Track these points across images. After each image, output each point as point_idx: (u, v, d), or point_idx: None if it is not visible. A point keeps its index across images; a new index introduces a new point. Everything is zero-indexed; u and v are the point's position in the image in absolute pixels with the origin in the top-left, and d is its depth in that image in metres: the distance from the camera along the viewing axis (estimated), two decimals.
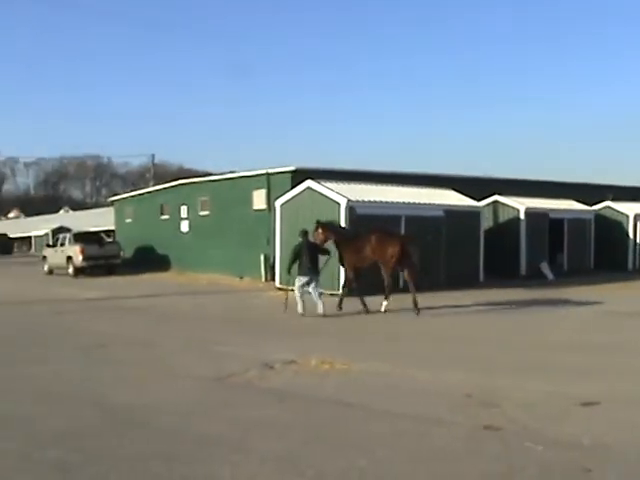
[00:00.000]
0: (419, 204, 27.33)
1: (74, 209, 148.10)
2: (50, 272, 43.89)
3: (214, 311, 22.06)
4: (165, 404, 9.53)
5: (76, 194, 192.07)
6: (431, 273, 25.70)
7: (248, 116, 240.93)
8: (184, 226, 40.81)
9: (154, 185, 55.79)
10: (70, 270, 40.44)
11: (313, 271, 20.15)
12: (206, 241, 37.94)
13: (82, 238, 42.50)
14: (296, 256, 20.21)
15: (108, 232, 58.31)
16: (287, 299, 20.53)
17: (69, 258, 40.68)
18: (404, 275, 21.35)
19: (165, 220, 43.01)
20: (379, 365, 12.09)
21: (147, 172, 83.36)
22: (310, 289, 20.14)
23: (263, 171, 33.41)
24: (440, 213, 27.60)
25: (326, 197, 25.58)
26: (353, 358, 12.57)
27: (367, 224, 24.49)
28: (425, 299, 22.37)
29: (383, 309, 20.00)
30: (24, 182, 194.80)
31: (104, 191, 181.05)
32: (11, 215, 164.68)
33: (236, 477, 6.51)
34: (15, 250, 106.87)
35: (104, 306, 23.76)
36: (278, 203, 28.12)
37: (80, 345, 15.15)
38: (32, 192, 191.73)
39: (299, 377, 11.24)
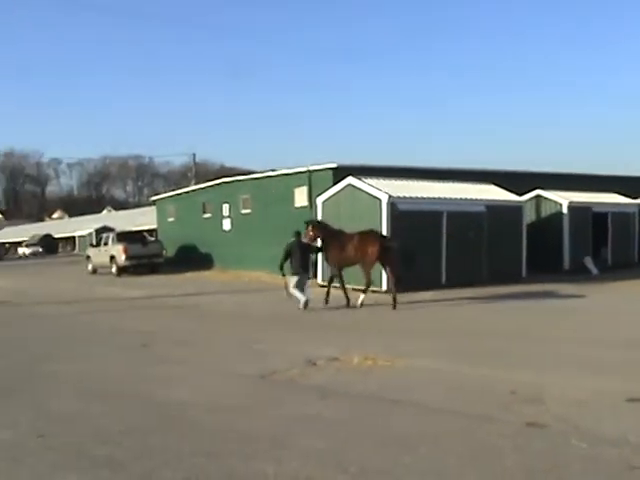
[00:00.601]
0: (461, 200, 27.20)
1: (117, 209, 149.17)
2: (94, 271, 44.32)
3: (257, 308, 22.14)
4: (209, 401, 9.60)
5: (118, 194, 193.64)
6: (472, 269, 25.71)
7: (287, 114, 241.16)
8: (226, 224, 40.97)
9: (196, 184, 56.08)
10: (113, 269, 40.83)
11: (304, 269, 21.64)
12: (248, 239, 38.05)
13: (125, 237, 42.86)
14: (287, 255, 21.63)
15: (151, 231, 58.74)
16: (329, 295, 21.60)
17: (112, 257, 41.04)
18: (387, 273, 22.24)
19: (207, 218, 43.21)
20: (422, 361, 12.06)
21: (189, 171, 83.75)
22: (300, 284, 21.39)
23: (304, 168, 33.44)
24: (482, 208, 27.44)
25: (367, 194, 25.57)
26: (396, 354, 12.54)
27: (408, 220, 24.55)
28: (466, 294, 22.39)
29: (359, 302, 21.13)
30: (67, 183, 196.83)
31: (146, 191, 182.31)
32: (55, 216, 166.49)
33: (280, 473, 6.54)
34: (59, 250, 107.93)
35: (147, 305, 23.96)
36: (320, 200, 28.15)
37: (125, 344, 15.32)
38: (75, 193, 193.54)
39: (342, 374, 11.25)
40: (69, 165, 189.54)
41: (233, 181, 41.06)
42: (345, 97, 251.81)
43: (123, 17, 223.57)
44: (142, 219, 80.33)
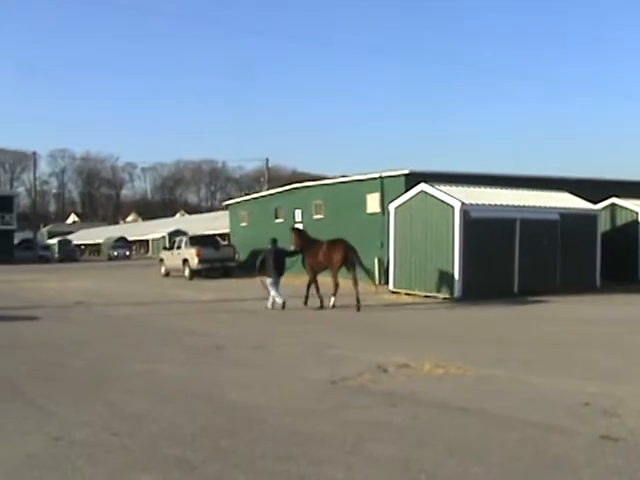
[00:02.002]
0: (534, 207, 26.94)
1: (189, 213, 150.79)
2: (167, 274, 44.79)
3: (327, 314, 22.15)
4: (281, 405, 9.64)
5: (191, 198, 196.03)
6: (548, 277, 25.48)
7: (359, 119, 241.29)
8: None
9: (268, 189, 56.42)
10: (186, 272, 41.21)
11: (277, 273, 23.95)
12: None
13: (198, 241, 43.26)
14: (263, 260, 24.33)
15: (223, 235, 59.22)
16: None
17: (185, 261, 41.43)
18: (351, 277, 23.58)
19: (279, 223, 43.43)
20: (494, 370, 11.93)
21: (261, 176, 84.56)
22: (275, 287, 23.65)
23: (377, 175, 33.45)
24: (556, 216, 27.13)
25: (440, 200, 25.46)
26: (467, 362, 12.46)
27: (481, 227, 24.40)
28: (538, 304, 22.17)
29: (331, 304, 23.28)
30: (142, 187, 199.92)
31: (219, 195, 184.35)
32: (129, 219, 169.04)
33: (350, 478, 6.55)
34: (133, 252, 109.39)
35: (219, 308, 24.15)
36: (392, 206, 28.11)
37: (198, 346, 15.47)
38: (149, 196, 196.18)
39: (413, 381, 11.20)
40: (143, 169, 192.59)
41: (306, 186, 41.25)
42: (418, 102, 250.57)
43: (203, 23, 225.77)
44: (215, 223, 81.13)
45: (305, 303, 23.62)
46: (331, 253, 23.51)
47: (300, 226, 25.70)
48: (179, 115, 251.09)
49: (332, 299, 23.34)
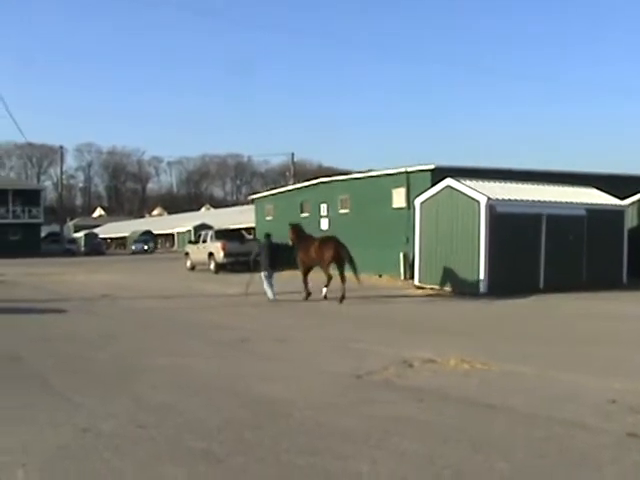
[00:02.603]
0: (560, 203, 26.78)
1: (215, 207, 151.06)
2: (192, 268, 44.94)
3: (352, 308, 22.15)
4: (306, 399, 9.67)
5: (217, 192, 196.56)
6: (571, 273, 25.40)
7: (384, 113, 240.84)
8: (324, 224, 41.11)
9: (294, 183, 56.43)
10: (211, 266, 41.35)
11: (271, 266, 24.94)
12: (345, 239, 37.90)
13: (223, 235, 43.38)
14: (257, 254, 25.82)
15: (249, 229, 59.32)
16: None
17: (211, 254, 41.57)
18: (339, 273, 24.40)
19: (305, 218, 43.37)
20: (520, 366, 11.87)
21: (287, 170, 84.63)
22: (269, 280, 24.74)
23: (402, 169, 33.39)
24: (582, 212, 26.96)
25: (466, 195, 25.39)
26: (493, 358, 12.42)
27: (507, 222, 24.33)
28: (567, 300, 22.09)
29: (322, 295, 24.29)
30: (167, 181, 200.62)
31: (244, 189, 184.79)
32: (155, 213, 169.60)
33: (374, 474, 6.55)
34: (159, 246, 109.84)
35: (245, 302, 24.19)
36: (418, 201, 28.04)
37: (223, 339, 15.54)
38: (175, 190, 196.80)
39: (438, 376, 11.20)
40: (169, 163, 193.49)
41: (331, 181, 41.21)
42: (442, 98, 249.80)
43: (225, 21, 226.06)
44: (240, 217, 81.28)
45: (306, 297, 24.62)
46: (322, 250, 24.62)
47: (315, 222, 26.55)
48: (204, 109, 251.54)
49: (324, 290, 24.37)
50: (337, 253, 24.35)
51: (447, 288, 25.73)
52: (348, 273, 24.31)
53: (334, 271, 24.48)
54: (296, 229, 27.07)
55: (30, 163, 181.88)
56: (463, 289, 24.92)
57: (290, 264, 39.57)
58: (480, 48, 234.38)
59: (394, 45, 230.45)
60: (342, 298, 23.33)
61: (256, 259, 25.72)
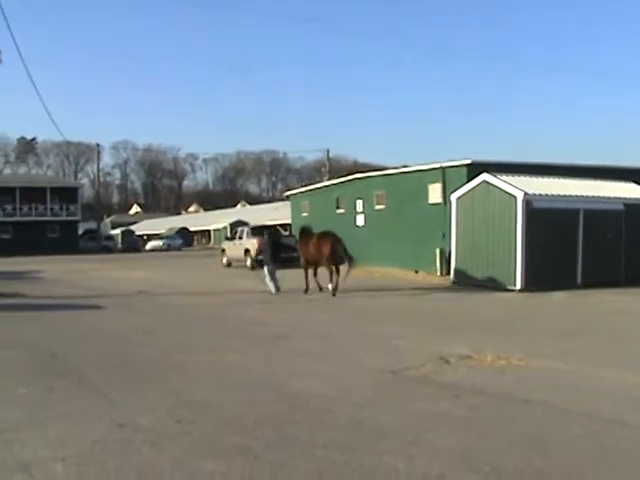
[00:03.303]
0: (598, 197, 26.54)
1: (251, 203, 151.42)
2: (228, 264, 45.08)
3: (389, 304, 22.16)
4: (343, 394, 9.66)
5: (252, 189, 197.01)
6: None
7: (420, 109, 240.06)
8: (360, 220, 41.08)
9: (329, 179, 56.40)
10: (248, 262, 41.39)
11: (274, 261, 26.06)
12: (381, 235, 38.11)
13: (259, 231, 43.41)
14: (261, 250, 27.24)
15: (284, 226, 59.39)
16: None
17: (247, 251, 41.65)
18: (334, 266, 25.33)
19: (341, 214, 43.43)
20: (557, 362, 11.78)
21: (322, 166, 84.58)
22: (270, 274, 25.73)
23: (438, 165, 33.27)
24: (620, 207, 26.69)
25: (502, 190, 25.24)
26: (530, 354, 12.33)
27: (544, 218, 24.17)
28: (604, 296, 21.90)
29: (330, 288, 24.81)
30: (203, 177, 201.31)
31: (280, 186, 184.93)
32: (191, 209, 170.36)
33: (411, 470, 6.51)
34: (195, 243, 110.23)
35: (281, 298, 24.25)
36: (454, 197, 27.95)
37: (260, 335, 15.58)
38: (211, 187, 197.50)
39: (475, 372, 11.14)
40: (205, 160, 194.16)
41: (367, 177, 41.15)
42: (477, 93, 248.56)
43: (271, 17, 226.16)
44: (276, 214, 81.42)
45: (320, 289, 25.67)
46: (320, 245, 25.61)
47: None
48: (240, 105, 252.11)
49: (330, 285, 25.04)
50: (334, 247, 25.24)
51: (484, 283, 25.61)
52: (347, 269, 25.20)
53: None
54: (303, 230, 28.34)
55: (67, 161, 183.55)
56: (500, 285, 24.80)
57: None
58: (518, 41, 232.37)
59: (430, 40, 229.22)
60: (335, 290, 24.60)
61: (258, 254, 26.95)
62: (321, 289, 25.57)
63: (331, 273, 25.08)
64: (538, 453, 6.97)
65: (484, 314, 19.50)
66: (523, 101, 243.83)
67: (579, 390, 9.82)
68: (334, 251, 25.21)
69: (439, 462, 6.70)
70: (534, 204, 24.57)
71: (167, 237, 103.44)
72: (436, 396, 9.51)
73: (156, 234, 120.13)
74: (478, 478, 6.30)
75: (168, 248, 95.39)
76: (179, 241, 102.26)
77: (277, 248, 27.00)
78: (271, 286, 25.50)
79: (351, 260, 25.72)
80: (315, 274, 26.29)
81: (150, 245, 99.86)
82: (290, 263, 40.89)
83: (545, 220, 24.48)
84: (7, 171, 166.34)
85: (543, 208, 24.63)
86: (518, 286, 24.07)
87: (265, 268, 26.10)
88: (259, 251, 40.53)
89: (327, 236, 26.15)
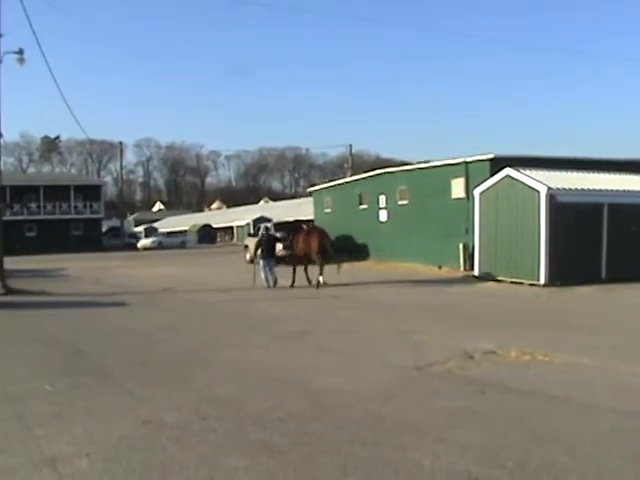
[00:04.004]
0: (622, 191, 26.35)
1: (273, 200, 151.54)
2: (251, 261, 45.05)
3: (412, 300, 22.11)
4: (367, 390, 9.67)
5: (275, 185, 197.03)
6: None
7: (441, 104, 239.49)
8: (383, 215, 41.05)
9: (352, 175, 56.35)
10: None
11: (269, 256, 27.68)
12: (404, 230, 38.06)
13: (282, 228, 43.38)
14: (259, 245, 28.21)
15: (307, 222, 59.41)
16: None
17: None
18: (318, 258, 27.10)
19: (364, 209, 43.41)
20: (582, 358, 11.70)
21: (345, 162, 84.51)
22: (267, 268, 27.43)
23: (461, 159, 33.17)
24: None
25: (526, 185, 25.11)
26: (554, 349, 12.26)
27: (568, 212, 24.04)
28: (629, 290, 21.79)
29: (322, 281, 26.47)
30: (226, 174, 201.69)
31: (302, 182, 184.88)
32: (214, 206, 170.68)
33: (436, 466, 6.51)
34: (218, 239, 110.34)
35: (304, 294, 24.30)
36: (477, 191, 27.84)
37: (284, 331, 15.60)
38: (233, 184, 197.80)
39: (500, 367, 11.10)
40: (227, 157, 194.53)
41: (390, 172, 41.06)
42: (502, 87, 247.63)
43: (283, 12, 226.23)
44: (299, 210, 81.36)
45: (310, 284, 27.09)
46: (309, 239, 27.40)
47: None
48: (262, 102, 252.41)
49: (320, 278, 26.58)
50: (320, 242, 26.98)
51: (507, 279, 25.52)
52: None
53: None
54: (298, 227, 30.66)
55: (91, 159, 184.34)
56: (523, 279, 24.70)
57: (354, 255, 39.84)
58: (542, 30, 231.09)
59: (456, 31, 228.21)
60: (317, 284, 26.37)
61: (257, 249, 28.25)
62: (310, 283, 27.03)
63: (321, 267, 26.78)
64: (564, 449, 6.94)
65: (508, 309, 19.44)
66: (547, 95, 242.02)
67: (605, 385, 9.77)
68: (322, 244, 26.90)
69: (464, 458, 6.69)
70: (558, 198, 24.43)
71: (163, 234, 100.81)
72: (461, 392, 9.50)
73: (179, 231, 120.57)
74: (503, 474, 6.28)
75: (160, 246, 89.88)
76: (179, 239, 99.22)
77: (273, 245, 28.66)
78: (264, 280, 27.25)
79: (335, 256, 27.50)
80: (305, 268, 27.83)
81: (141, 244, 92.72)
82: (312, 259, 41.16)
83: (569, 214, 24.32)
84: (31, 170, 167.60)
85: (567, 202, 24.48)
86: (542, 281, 23.96)
87: (261, 262, 27.72)
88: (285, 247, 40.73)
89: (314, 230, 28.66)
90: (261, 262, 27.76)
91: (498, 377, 10.36)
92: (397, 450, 6.97)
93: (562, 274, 23.78)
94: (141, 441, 7.46)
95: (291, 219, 61.27)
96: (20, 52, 28.55)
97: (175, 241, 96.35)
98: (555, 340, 13.62)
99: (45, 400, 9.44)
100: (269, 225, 45.15)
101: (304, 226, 31.06)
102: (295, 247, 28.31)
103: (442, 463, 6.58)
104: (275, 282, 27.15)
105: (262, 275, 27.37)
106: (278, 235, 31.58)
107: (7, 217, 45.35)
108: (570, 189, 25.12)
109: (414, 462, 6.61)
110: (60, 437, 7.65)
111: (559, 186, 24.90)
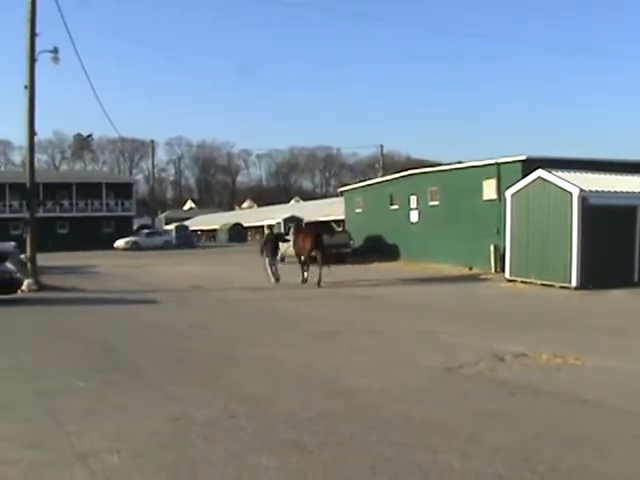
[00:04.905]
0: None
1: (304, 199, 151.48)
2: (282, 260, 45.15)
3: (443, 301, 22.06)
4: (396, 391, 9.65)
5: (306, 184, 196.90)
6: None
7: (472, 104, 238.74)
8: (413, 216, 40.97)
9: (382, 175, 56.29)
10: (301, 258, 41.39)
11: (274, 254, 29.66)
12: (435, 231, 37.96)
13: (314, 228, 43.43)
14: (265, 243, 30.25)
15: (338, 222, 59.39)
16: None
17: None
18: (318, 258, 28.72)
19: (394, 210, 43.34)
20: (615, 362, 11.59)
21: (376, 162, 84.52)
22: (272, 265, 29.24)
23: (493, 161, 33.04)
24: None
25: (558, 187, 24.94)
26: (586, 353, 12.16)
27: (600, 214, 23.85)
28: None
29: (316, 280, 27.42)
30: (257, 173, 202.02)
31: (333, 181, 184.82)
32: (245, 205, 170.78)
33: (466, 468, 6.47)
34: (249, 238, 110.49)
35: (334, 294, 24.30)
36: (508, 193, 27.70)
37: (313, 331, 15.63)
38: (264, 183, 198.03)
39: (530, 370, 11.04)
40: (258, 156, 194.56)
41: (421, 172, 40.99)
42: (532, 87, 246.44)
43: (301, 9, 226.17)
44: (329, 209, 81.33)
45: (303, 281, 28.44)
46: (305, 239, 29.02)
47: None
48: (292, 101, 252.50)
49: (320, 275, 27.68)
50: (316, 241, 28.59)
51: (538, 280, 25.38)
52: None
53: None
54: (298, 227, 32.66)
55: (122, 157, 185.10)
56: (555, 282, 24.55)
57: (384, 255, 39.89)
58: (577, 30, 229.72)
59: (488, 34, 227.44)
60: (320, 281, 27.26)
61: (264, 247, 30.05)
62: (305, 281, 28.37)
63: (320, 266, 28.05)
64: (596, 453, 6.88)
65: (539, 311, 19.33)
66: (580, 98, 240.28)
67: (637, 390, 9.69)
68: (315, 245, 28.42)
69: (494, 461, 6.65)
70: (590, 200, 24.24)
71: (143, 234, 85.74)
72: (491, 394, 9.46)
73: (210, 229, 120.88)
74: (534, 478, 6.24)
75: (136, 247, 78.12)
76: (162, 238, 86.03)
77: (277, 244, 30.32)
78: (271, 276, 28.93)
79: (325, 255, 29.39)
80: (303, 265, 29.15)
81: (116, 244, 79.55)
82: (343, 259, 41.19)
83: (601, 217, 24.12)
84: (64, 167, 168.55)
85: (599, 204, 24.29)
86: (574, 283, 23.79)
87: (266, 260, 29.58)
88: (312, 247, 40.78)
89: (311, 232, 30.48)
90: (266, 260, 29.58)
91: (529, 380, 10.30)
92: (426, 451, 6.95)
93: (594, 277, 23.59)
94: (171, 438, 7.50)
95: (322, 219, 61.40)
96: (55, 51, 28.80)
97: (155, 242, 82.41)
98: (587, 343, 13.53)
99: (77, 396, 9.53)
100: (274, 223, 46.28)
101: (303, 226, 34.07)
102: (295, 247, 30.03)
103: (472, 465, 6.54)
104: (278, 279, 28.77)
105: (270, 273, 29.08)
106: (287, 237, 33.38)
107: (40, 214, 45.58)
108: (603, 191, 24.92)
109: (444, 464, 6.58)
110: (91, 433, 7.71)
111: (592, 188, 24.70)
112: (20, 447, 7.27)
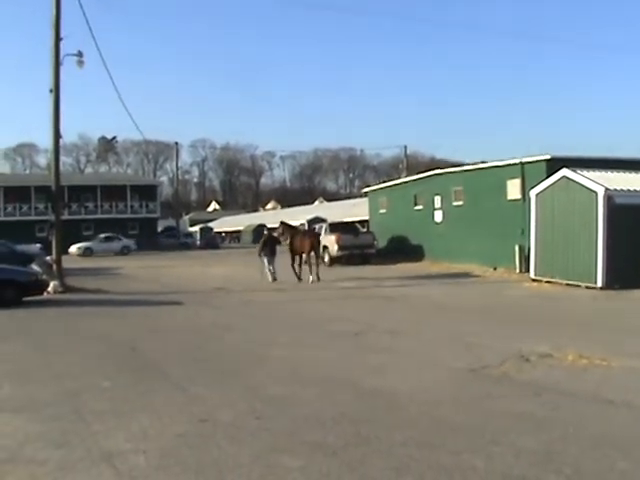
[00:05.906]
0: None
1: (328, 200, 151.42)
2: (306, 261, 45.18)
3: (467, 301, 22.00)
4: (420, 392, 9.64)
5: (330, 185, 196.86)
6: None
7: (497, 105, 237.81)
8: (438, 216, 40.85)
9: (406, 176, 56.19)
10: (326, 259, 41.43)
11: (272, 254, 30.74)
12: (459, 231, 37.83)
13: (338, 228, 43.46)
14: (263, 244, 31.28)
15: (362, 222, 59.34)
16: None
17: (325, 247, 41.63)
18: (315, 259, 30.68)
19: (419, 210, 43.23)
20: None
21: (399, 163, 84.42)
22: (270, 265, 30.55)
23: (517, 160, 32.88)
24: None
25: (583, 186, 24.79)
26: (612, 353, 12.08)
27: (626, 214, 23.69)
28: None
29: (310, 280, 29.34)
30: (280, 175, 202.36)
31: (357, 182, 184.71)
32: (269, 206, 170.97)
33: (491, 469, 6.47)
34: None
35: (358, 295, 24.30)
36: (533, 193, 27.57)
37: (338, 332, 15.64)
38: (288, 184, 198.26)
39: (556, 371, 10.99)
40: (282, 157, 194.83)
41: (445, 173, 40.86)
42: (555, 87, 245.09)
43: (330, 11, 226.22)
44: (354, 210, 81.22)
45: (299, 279, 30.09)
46: (303, 241, 30.93)
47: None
48: (316, 103, 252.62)
49: (310, 277, 29.61)
50: (313, 243, 30.67)
51: (564, 280, 25.25)
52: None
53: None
54: (286, 226, 33.52)
55: (147, 159, 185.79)
56: (580, 282, 24.41)
57: (408, 256, 39.86)
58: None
59: (511, 33, 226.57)
60: (317, 279, 29.40)
61: (262, 248, 31.08)
62: (299, 279, 29.96)
63: (310, 266, 29.97)
64: (622, 455, 6.84)
65: (564, 312, 19.24)
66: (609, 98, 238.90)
67: None
68: (313, 245, 30.46)
69: (519, 462, 6.64)
70: (616, 200, 24.07)
71: (99, 239, 74.21)
72: (516, 395, 9.43)
73: (234, 231, 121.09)
74: (559, 479, 6.22)
75: (89, 254, 68.68)
76: (120, 244, 74.41)
77: (274, 244, 31.44)
78: (269, 275, 30.24)
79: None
80: (300, 265, 30.94)
81: (70, 250, 64.67)
82: (368, 259, 41.16)
83: (627, 216, 23.95)
84: (89, 170, 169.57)
85: (625, 204, 24.11)
86: (599, 284, 23.64)
87: (265, 260, 30.66)
88: (340, 247, 40.82)
89: (310, 233, 33.30)
90: (265, 259, 30.70)
91: (554, 380, 10.25)
92: (450, 452, 6.95)
93: (620, 277, 23.43)
94: (196, 439, 7.54)
95: (346, 219, 61.39)
96: (79, 55, 28.91)
97: (112, 247, 72.80)
98: (613, 344, 13.44)
99: (102, 396, 9.61)
100: (268, 225, 46.91)
101: (301, 229, 36.89)
102: (292, 247, 31.34)
103: (496, 466, 6.53)
104: (274, 278, 30.10)
105: (267, 273, 30.33)
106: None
107: (65, 216, 45.66)
108: (628, 190, 24.74)
109: (468, 464, 6.58)
110: (117, 433, 7.77)
111: (617, 187, 24.53)
112: (48, 447, 7.36)
